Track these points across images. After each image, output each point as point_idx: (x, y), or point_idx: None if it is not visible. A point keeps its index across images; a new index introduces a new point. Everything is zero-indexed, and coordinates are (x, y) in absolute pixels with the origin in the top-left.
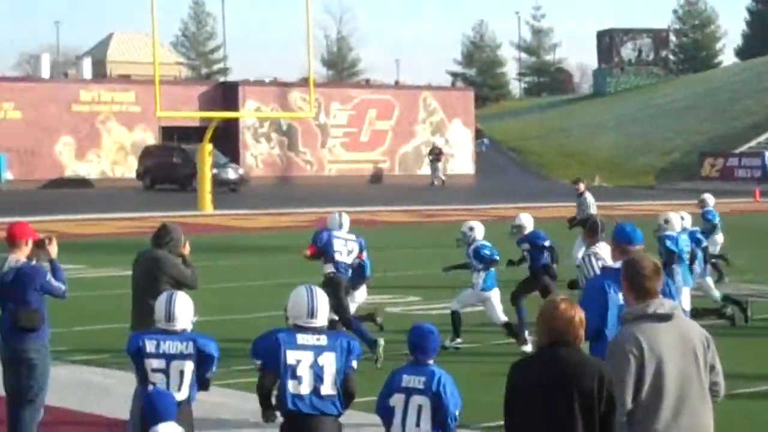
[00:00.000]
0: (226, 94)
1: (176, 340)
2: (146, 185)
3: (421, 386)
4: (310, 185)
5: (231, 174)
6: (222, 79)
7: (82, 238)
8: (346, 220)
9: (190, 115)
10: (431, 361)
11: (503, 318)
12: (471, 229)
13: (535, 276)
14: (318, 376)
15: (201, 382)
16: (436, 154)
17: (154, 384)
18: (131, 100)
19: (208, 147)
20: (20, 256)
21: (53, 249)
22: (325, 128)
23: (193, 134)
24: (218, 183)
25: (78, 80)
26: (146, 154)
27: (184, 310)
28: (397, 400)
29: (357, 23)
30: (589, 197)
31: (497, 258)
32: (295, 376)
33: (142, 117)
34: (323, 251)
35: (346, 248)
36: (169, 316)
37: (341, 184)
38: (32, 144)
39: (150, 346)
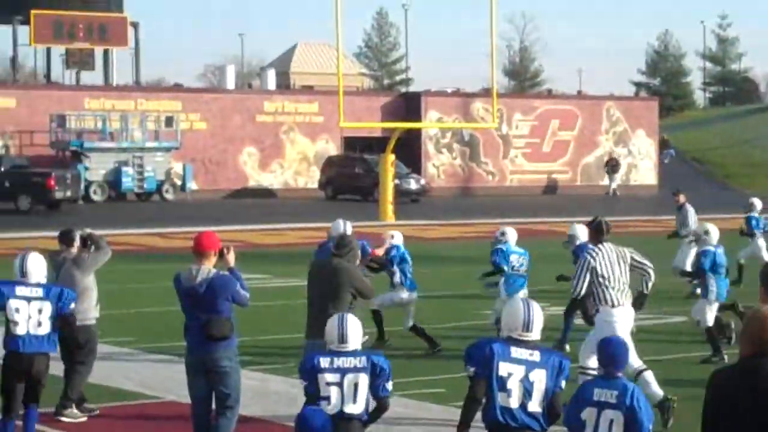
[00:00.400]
0: (409, 105)
1: (350, 356)
2: (328, 195)
3: (613, 400)
4: (491, 196)
5: (413, 184)
6: (404, 89)
7: (265, 247)
8: (349, 226)
9: (372, 126)
10: (620, 374)
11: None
12: (503, 234)
13: None
14: (527, 392)
15: (377, 399)
16: (612, 165)
17: (327, 398)
18: (314, 110)
19: (391, 157)
20: (210, 266)
21: (231, 258)
22: (507, 139)
23: (375, 145)
24: (400, 193)
25: (262, 91)
26: (329, 164)
27: (355, 332)
28: (588, 414)
29: (539, 33)
30: (689, 210)
31: (502, 267)
32: (504, 389)
33: (325, 127)
34: None
35: None
36: (342, 338)
37: (519, 194)
38: (217, 154)
39: (324, 362)
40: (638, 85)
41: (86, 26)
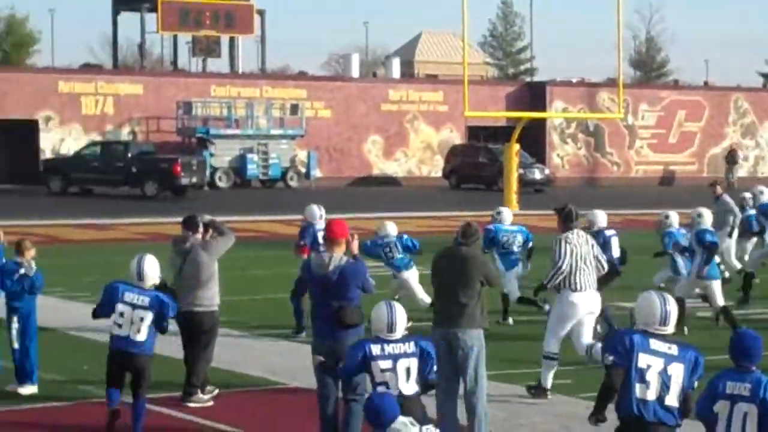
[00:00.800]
0: (533, 95)
1: (399, 343)
2: (452, 184)
3: (746, 393)
4: (615, 186)
5: (537, 174)
6: (528, 79)
7: None
8: (322, 211)
9: (497, 115)
10: (754, 368)
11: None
12: (498, 213)
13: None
14: (665, 385)
15: (425, 382)
16: (731, 156)
17: (385, 383)
18: (439, 99)
19: (515, 147)
20: (341, 253)
21: (355, 246)
22: (632, 129)
23: (500, 134)
24: (524, 183)
25: (387, 80)
26: (453, 153)
27: (402, 320)
28: (721, 407)
29: (666, 24)
30: (728, 200)
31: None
32: (643, 380)
33: (449, 116)
34: (312, 246)
35: None
36: (391, 327)
37: (643, 185)
38: (341, 142)
39: (375, 349)
40: (766, 76)
41: (213, 14)
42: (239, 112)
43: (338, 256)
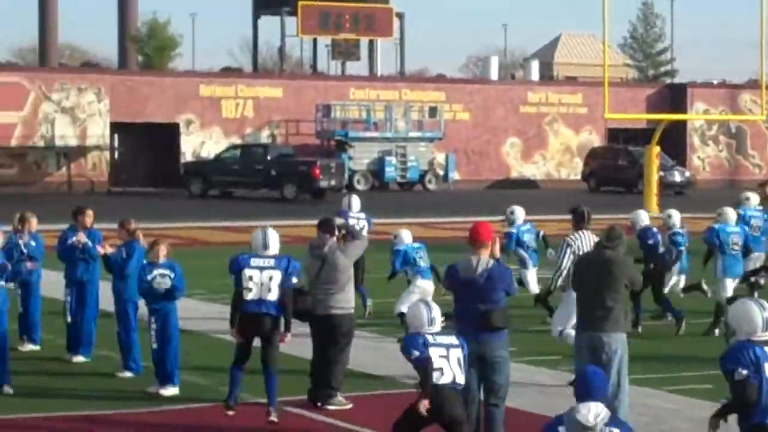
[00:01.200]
0: (674, 96)
1: (443, 335)
2: (591, 187)
3: None
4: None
5: (677, 177)
6: (669, 81)
7: None
8: (356, 200)
9: (637, 117)
10: None
11: None
12: (512, 212)
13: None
14: None
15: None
16: None
17: (440, 369)
18: (578, 101)
19: (656, 149)
20: (487, 256)
21: (496, 249)
22: None
23: (640, 136)
24: (664, 185)
25: (525, 82)
26: (592, 155)
27: (438, 314)
28: None
29: None
30: None
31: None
32: None
33: (589, 119)
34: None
35: (357, 225)
36: (431, 322)
37: None
38: (480, 145)
39: (430, 339)
40: None
41: (352, 17)
42: (378, 114)
43: (485, 259)
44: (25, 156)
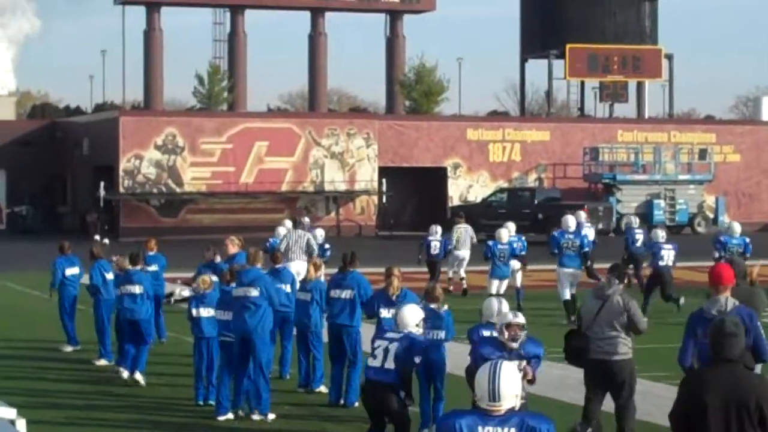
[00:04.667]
0: None
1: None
2: None
3: None
4: None
5: None
6: None
7: None
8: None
9: None
10: None
11: None
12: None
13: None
14: None
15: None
16: None
17: None
18: None
19: None
20: (727, 295)
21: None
22: None
23: None
24: None
25: None
26: None
27: None
28: None
29: None
30: None
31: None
32: None
33: None
34: None
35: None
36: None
37: None
38: (750, 187)
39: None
40: None
41: (621, 59)
42: (646, 157)
43: (732, 300)
44: (295, 201)
